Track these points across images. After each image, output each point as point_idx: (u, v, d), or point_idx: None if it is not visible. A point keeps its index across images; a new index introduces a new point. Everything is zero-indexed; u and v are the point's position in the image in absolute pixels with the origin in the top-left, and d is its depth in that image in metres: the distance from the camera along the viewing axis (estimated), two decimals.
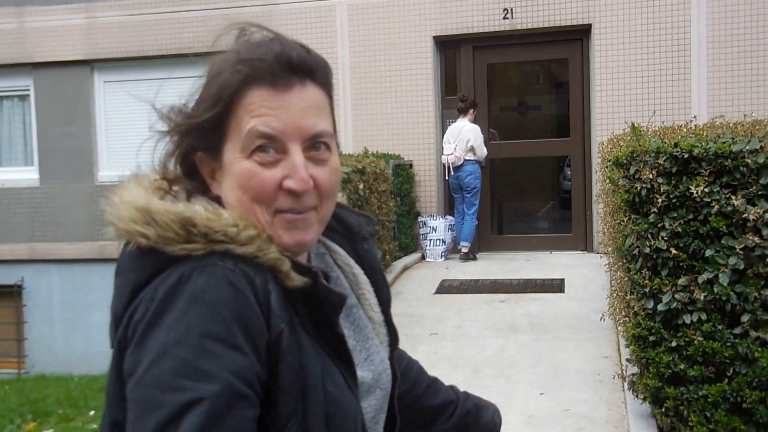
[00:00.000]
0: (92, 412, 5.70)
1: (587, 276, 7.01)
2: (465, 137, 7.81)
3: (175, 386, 0.89)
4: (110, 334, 1.06)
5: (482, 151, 7.88)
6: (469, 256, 7.99)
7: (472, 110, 7.96)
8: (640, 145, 3.58)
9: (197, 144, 1.08)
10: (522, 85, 9.54)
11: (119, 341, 1.00)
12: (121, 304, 1.02)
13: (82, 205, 9.15)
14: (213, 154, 1.07)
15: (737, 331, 3.47)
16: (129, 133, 9.17)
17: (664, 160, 3.49)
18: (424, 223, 8.25)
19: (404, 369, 1.40)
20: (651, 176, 3.50)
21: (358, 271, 1.23)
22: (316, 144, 1.05)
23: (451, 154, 7.84)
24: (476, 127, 7.89)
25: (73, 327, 9.15)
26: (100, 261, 8.93)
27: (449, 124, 8.20)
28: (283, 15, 8.58)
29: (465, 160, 7.84)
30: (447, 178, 8.04)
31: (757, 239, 3.37)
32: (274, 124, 1.02)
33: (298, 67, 1.05)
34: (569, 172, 8.61)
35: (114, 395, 1.02)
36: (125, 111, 9.18)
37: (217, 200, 1.07)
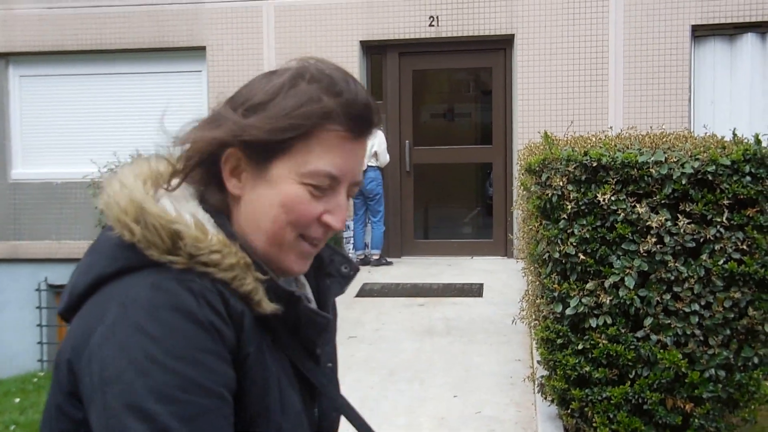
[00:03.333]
0: None
1: (506, 281, 7.14)
2: (369, 142, 7.78)
3: (172, 398, 0.91)
4: (62, 302, 1.07)
5: (385, 158, 7.88)
6: (382, 262, 8.02)
7: None
8: (551, 153, 3.68)
9: (244, 148, 1.04)
10: (447, 93, 9.65)
11: (81, 341, 0.99)
12: (83, 285, 1.02)
13: None
14: (256, 159, 1.05)
15: (640, 334, 3.59)
16: (46, 130, 8.88)
17: (574, 168, 3.59)
18: (348, 227, 8.25)
19: None
20: (561, 183, 3.59)
21: (313, 305, 1.23)
22: (352, 192, 1.11)
23: None
24: (380, 133, 7.89)
25: None
26: (11, 261, 8.60)
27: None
28: (208, 14, 8.46)
29: (368, 166, 7.81)
30: None
31: (659, 246, 3.50)
32: (342, 168, 1.06)
33: (373, 119, 1.10)
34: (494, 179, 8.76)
35: (60, 377, 1.01)
36: (42, 107, 8.88)
37: (218, 202, 1.08)
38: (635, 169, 3.53)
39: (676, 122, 7.57)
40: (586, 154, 3.58)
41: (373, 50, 8.70)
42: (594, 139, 4.08)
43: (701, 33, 7.83)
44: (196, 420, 0.92)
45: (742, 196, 3.44)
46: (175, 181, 1.06)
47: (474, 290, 6.84)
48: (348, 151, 1.06)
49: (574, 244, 3.60)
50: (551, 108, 8.08)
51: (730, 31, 7.75)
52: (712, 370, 3.56)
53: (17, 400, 5.96)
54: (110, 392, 0.92)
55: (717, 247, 3.48)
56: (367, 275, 7.57)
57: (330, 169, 1.04)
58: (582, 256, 3.59)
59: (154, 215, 1.00)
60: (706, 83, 7.95)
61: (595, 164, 3.56)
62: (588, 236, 3.57)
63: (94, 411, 0.94)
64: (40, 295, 8.40)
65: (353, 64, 8.46)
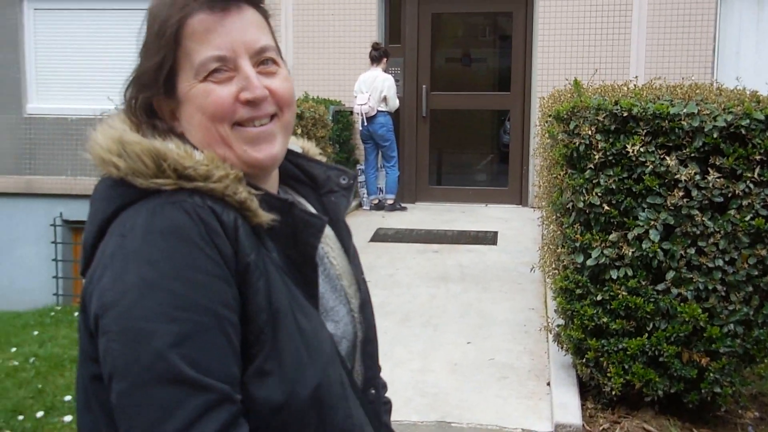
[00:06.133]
0: (13, 349, 5.55)
1: (520, 229, 7.12)
2: (379, 87, 7.67)
3: (169, 317, 0.93)
4: (80, 261, 1.10)
5: (395, 103, 7.78)
6: (396, 207, 8.00)
7: (385, 59, 7.81)
8: (581, 101, 3.61)
9: (153, 91, 1.09)
10: (466, 38, 9.49)
11: (88, 283, 1.02)
12: (90, 235, 1.06)
13: (9, 137, 8.78)
14: (169, 93, 1.09)
15: (660, 287, 3.58)
16: (61, 65, 8.79)
17: (604, 118, 3.52)
18: (362, 171, 8.21)
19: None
20: (590, 132, 3.53)
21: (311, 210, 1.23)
22: (263, 60, 1.10)
23: (364, 104, 7.69)
24: (390, 77, 7.77)
25: None
26: (25, 195, 8.62)
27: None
28: None
29: (378, 111, 7.72)
30: (360, 128, 7.94)
31: (686, 200, 3.46)
32: (222, 45, 1.06)
33: None
34: (509, 127, 8.67)
35: (87, 347, 1.03)
36: (57, 41, 8.77)
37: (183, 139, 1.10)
38: (666, 121, 3.46)
39: (699, 73, 7.43)
40: (616, 103, 3.51)
41: None
42: (625, 88, 4.00)
43: None
44: (193, 337, 0.93)
45: None
46: (147, 131, 1.09)
47: (488, 238, 6.83)
48: (222, 27, 1.06)
49: (600, 194, 3.56)
50: (572, 56, 7.94)
51: None
52: (731, 326, 3.55)
53: (36, 332, 6.03)
54: (108, 317, 0.95)
55: (745, 202, 3.44)
56: (381, 220, 7.56)
57: (213, 52, 1.06)
58: (606, 207, 3.55)
59: (133, 143, 1.02)
60: (731, 34, 7.78)
61: (625, 114, 3.49)
62: (614, 187, 3.53)
63: (98, 340, 0.97)
64: (55, 230, 8.44)
65: (371, 7, 8.31)
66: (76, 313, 4.86)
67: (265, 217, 1.04)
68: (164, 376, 0.91)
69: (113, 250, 0.99)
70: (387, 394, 1.40)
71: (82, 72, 8.70)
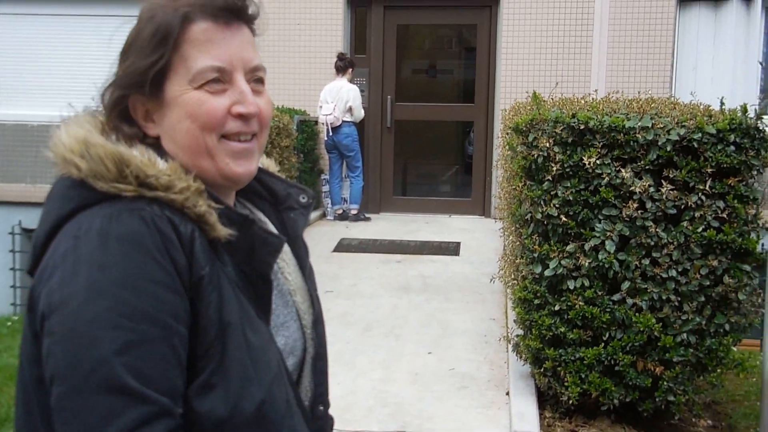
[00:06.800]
0: None
1: (483, 240, 7.18)
2: (344, 97, 7.70)
3: (116, 324, 0.92)
4: (28, 259, 1.08)
5: (360, 113, 7.81)
6: (360, 217, 8.02)
7: (350, 69, 7.85)
8: (540, 114, 3.66)
9: (134, 88, 1.08)
10: (431, 49, 9.56)
11: (37, 282, 1.01)
12: (42, 232, 1.04)
13: None
14: (150, 93, 1.08)
15: (616, 297, 3.64)
16: (23, 71, 8.65)
17: (561, 130, 3.58)
18: (327, 181, 8.21)
19: None
20: (548, 145, 3.59)
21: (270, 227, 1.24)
22: (256, 78, 1.13)
23: (329, 114, 7.72)
24: (355, 87, 7.81)
25: None
26: None
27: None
28: None
29: (343, 121, 7.75)
30: (325, 137, 7.95)
31: (640, 211, 3.53)
32: (222, 56, 1.07)
33: (232, 6, 1.10)
34: (474, 138, 8.74)
35: (31, 349, 1.02)
36: (19, 47, 8.63)
37: (154, 144, 1.09)
38: (622, 134, 3.53)
39: (658, 87, 7.59)
40: (573, 116, 3.57)
41: (358, 3, 8.57)
42: (582, 102, 4.07)
43: None
44: (139, 347, 0.93)
45: (725, 165, 3.46)
46: (113, 136, 1.08)
47: (451, 248, 6.88)
48: (223, 39, 1.08)
49: (557, 205, 3.61)
50: (535, 68, 8.05)
51: None
52: (684, 335, 3.62)
53: None
54: (53, 318, 0.94)
55: (697, 214, 3.52)
56: (344, 230, 7.56)
57: (213, 62, 1.07)
58: (564, 218, 3.60)
59: (98, 145, 1.02)
60: (689, 49, 7.96)
61: (582, 127, 3.55)
62: (571, 198, 3.58)
63: (42, 340, 0.96)
64: (13, 238, 8.29)
65: (337, 17, 8.34)
66: None
67: (223, 231, 1.05)
68: (105, 384, 0.91)
69: (65, 250, 0.98)
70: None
71: (42, 78, 8.58)
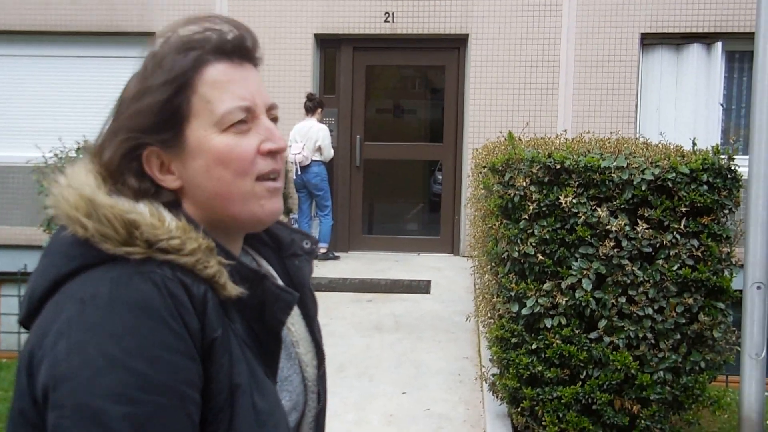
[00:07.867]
0: None
1: (453, 278, 7.17)
2: (313, 137, 7.74)
3: (130, 398, 0.87)
4: (21, 310, 1.03)
5: (329, 152, 7.85)
6: (329, 256, 7.98)
7: (320, 109, 7.91)
8: (515, 154, 3.69)
9: (147, 138, 1.01)
10: (400, 89, 9.65)
11: (37, 347, 0.94)
12: (40, 288, 0.99)
13: None
14: (168, 143, 1.02)
15: (593, 335, 3.65)
16: (30, 111, 8.45)
17: (538, 170, 3.61)
18: (295, 220, 8.16)
19: None
20: (524, 184, 3.61)
21: (279, 282, 1.19)
22: (272, 116, 1.09)
23: (298, 153, 7.75)
24: (324, 127, 7.86)
25: None
26: None
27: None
28: (159, 1, 8.24)
29: (312, 160, 7.78)
30: (294, 176, 7.95)
31: (616, 250, 3.56)
32: (247, 96, 1.04)
33: (248, 45, 1.08)
34: (440, 176, 8.79)
35: (29, 412, 0.95)
36: (24, 87, 8.43)
37: (172, 197, 1.03)
38: (597, 173, 3.57)
39: (623, 128, 7.74)
40: (550, 156, 3.61)
41: (328, 44, 8.63)
42: (557, 141, 4.12)
43: (650, 41, 8.01)
44: (153, 420, 0.88)
45: (698, 204, 3.52)
46: (119, 186, 1.02)
47: (422, 287, 6.85)
48: (241, 79, 1.05)
49: (534, 244, 3.62)
50: (503, 109, 8.16)
51: (678, 40, 7.95)
52: (661, 373, 3.64)
53: None
54: (61, 391, 0.89)
55: (672, 252, 3.56)
56: (314, 269, 7.49)
57: (240, 103, 1.03)
58: (541, 257, 3.62)
59: (106, 206, 0.97)
60: (652, 90, 8.15)
61: (558, 167, 3.59)
62: (548, 237, 3.60)
63: (48, 412, 0.90)
64: (19, 286, 8.03)
65: (307, 57, 8.38)
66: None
67: (234, 291, 1.00)
68: None
69: (70, 316, 0.92)
70: None
71: (9, 119, 8.42)
